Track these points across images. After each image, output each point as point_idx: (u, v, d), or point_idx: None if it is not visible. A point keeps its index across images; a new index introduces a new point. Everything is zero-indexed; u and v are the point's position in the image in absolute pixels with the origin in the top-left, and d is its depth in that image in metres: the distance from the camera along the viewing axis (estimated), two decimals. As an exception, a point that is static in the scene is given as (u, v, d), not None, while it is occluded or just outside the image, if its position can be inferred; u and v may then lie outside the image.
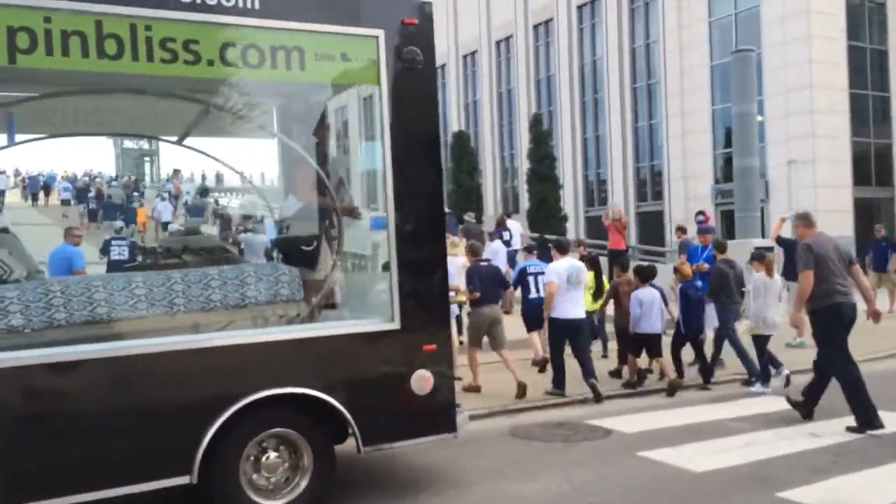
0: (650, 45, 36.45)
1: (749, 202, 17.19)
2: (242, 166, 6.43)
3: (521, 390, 8.94)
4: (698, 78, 33.41)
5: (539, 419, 8.26)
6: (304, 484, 5.18)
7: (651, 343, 9.58)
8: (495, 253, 13.95)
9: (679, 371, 9.78)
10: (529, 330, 11.00)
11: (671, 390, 9.34)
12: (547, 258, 12.07)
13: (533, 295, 10.63)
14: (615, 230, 17.00)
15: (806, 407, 7.70)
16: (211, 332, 5.05)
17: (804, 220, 7.96)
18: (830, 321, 7.27)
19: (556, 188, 31.65)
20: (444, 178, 43.38)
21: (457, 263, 12.05)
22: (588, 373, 9.10)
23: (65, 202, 37.14)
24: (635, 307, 9.58)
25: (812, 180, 28.92)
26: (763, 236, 17.50)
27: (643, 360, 9.95)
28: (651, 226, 35.73)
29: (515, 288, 11.29)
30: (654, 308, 9.49)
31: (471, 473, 6.20)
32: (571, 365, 9.24)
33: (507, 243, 16.00)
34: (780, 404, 8.45)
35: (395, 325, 5.41)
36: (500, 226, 17.20)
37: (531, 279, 10.69)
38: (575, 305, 9.21)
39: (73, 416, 4.48)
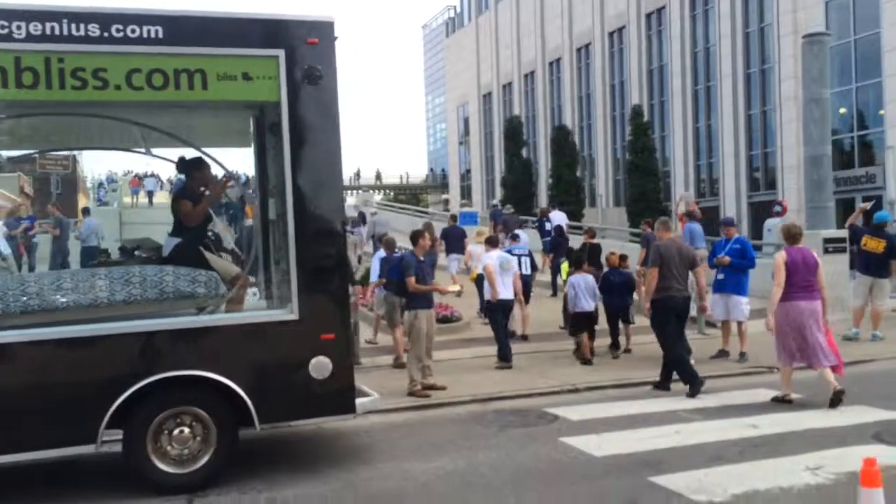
0: (764, 28, 34.97)
1: (820, 192, 16.50)
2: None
3: (399, 366, 10.53)
4: (813, 61, 31.74)
5: (511, 406, 8.59)
6: (206, 458, 5.87)
7: (584, 321, 11.04)
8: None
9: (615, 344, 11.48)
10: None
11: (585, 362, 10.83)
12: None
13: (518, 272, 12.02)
14: (687, 222, 16.93)
15: (663, 382, 9.17)
16: (119, 322, 5.79)
17: (664, 225, 9.66)
18: (663, 310, 9.01)
19: (656, 180, 31.06)
20: (545, 171, 43.38)
21: (476, 251, 13.56)
22: (505, 353, 10.75)
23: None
24: (570, 290, 11.16)
25: (931, 166, 26.90)
26: (838, 227, 16.71)
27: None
28: (763, 217, 34.19)
29: None
30: (587, 291, 10.99)
31: (390, 452, 6.72)
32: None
33: (549, 233, 17.04)
34: (755, 397, 8.47)
35: (294, 316, 6.01)
36: (543, 216, 18.88)
37: (517, 260, 12.17)
38: (506, 289, 10.85)
39: (-3, 389, 5.37)
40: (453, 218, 19.28)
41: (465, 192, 63.15)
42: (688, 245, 9.72)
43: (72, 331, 5.61)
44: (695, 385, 8.66)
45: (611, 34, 45.40)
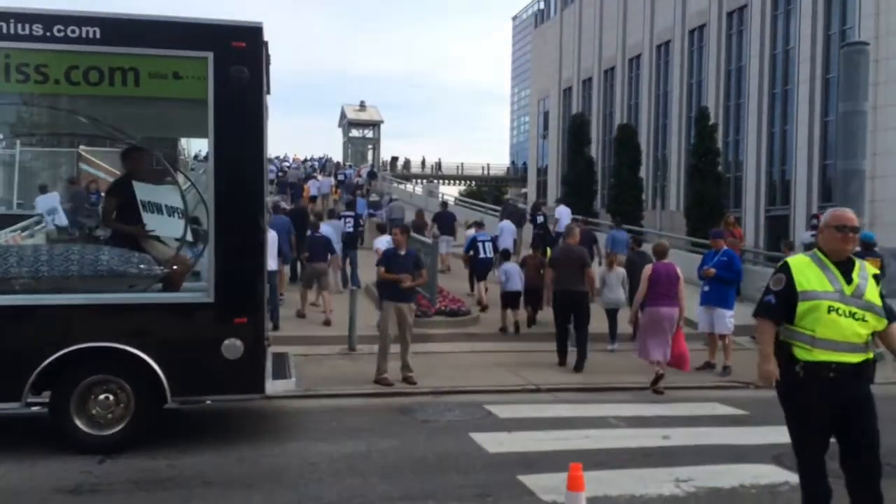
0: (846, 31, 33.53)
1: (853, 208, 15.92)
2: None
3: (327, 324, 13.04)
4: (894, 68, 30.41)
5: (460, 400, 8.85)
6: (122, 424, 6.42)
7: (513, 299, 13.53)
8: (502, 230, 17.71)
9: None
10: (478, 280, 15.73)
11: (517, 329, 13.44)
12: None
13: (482, 255, 15.60)
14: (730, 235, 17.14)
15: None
16: (45, 294, 6.38)
17: (569, 232, 11.64)
18: (558, 301, 11.12)
19: (717, 185, 30.22)
20: (606, 171, 42.83)
21: (470, 233, 16.92)
22: None
23: (271, 181, 43.19)
24: (502, 275, 13.76)
25: None
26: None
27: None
28: (833, 228, 33.02)
29: (467, 252, 15.98)
30: (514, 275, 13.54)
31: (308, 433, 7.16)
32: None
33: (539, 226, 19.33)
34: (699, 410, 8.51)
35: (210, 299, 6.48)
36: (536, 210, 20.69)
37: (480, 245, 15.64)
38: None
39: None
40: (444, 204, 22.53)
41: (542, 188, 62.94)
42: (579, 249, 11.40)
43: (3, 300, 6.24)
44: (561, 361, 11.03)
45: (691, 32, 44.38)
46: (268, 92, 7.75)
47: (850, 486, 4.51)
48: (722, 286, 10.99)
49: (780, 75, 37.66)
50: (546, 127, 63.43)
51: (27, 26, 6.15)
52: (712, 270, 10.99)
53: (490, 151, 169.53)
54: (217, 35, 6.48)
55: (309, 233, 14.26)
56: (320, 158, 59.15)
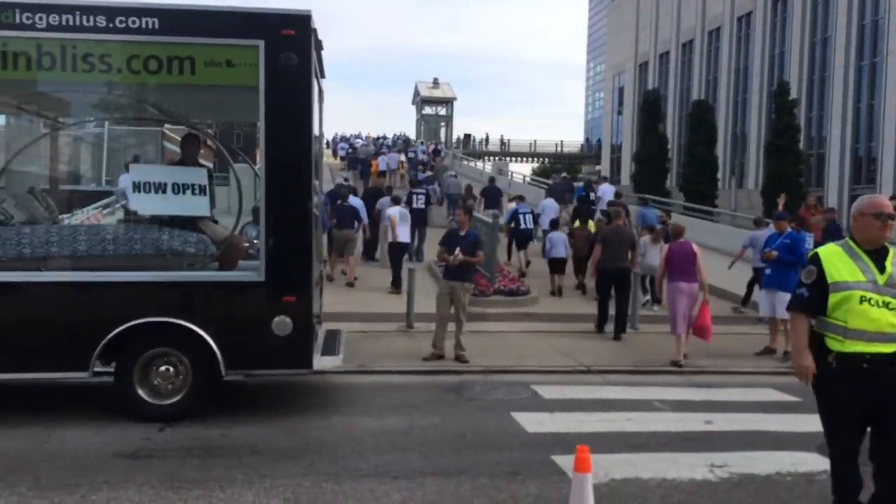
0: (940, 1, 31.94)
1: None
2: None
3: (350, 285, 14.65)
4: None
5: (509, 380, 8.97)
6: (182, 394, 6.80)
7: (557, 264, 15.40)
8: (544, 208, 18.98)
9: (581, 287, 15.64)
10: (518, 249, 17.43)
11: (560, 292, 15.22)
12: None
13: (522, 226, 17.23)
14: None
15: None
16: (110, 271, 6.77)
17: (616, 214, 12.64)
18: (603, 275, 12.08)
19: (797, 163, 29.32)
20: (683, 149, 41.86)
21: (512, 206, 18.35)
22: (398, 283, 14.24)
23: (342, 158, 44.48)
24: (547, 242, 15.77)
25: None
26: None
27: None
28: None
29: (509, 223, 17.53)
30: (560, 244, 15.44)
31: (356, 408, 7.43)
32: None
33: (580, 201, 20.10)
34: (748, 395, 8.44)
35: (261, 278, 6.78)
36: (589, 188, 21.76)
37: (521, 217, 17.27)
38: (405, 235, 15.19)
39: (9, 321, 6.51)
40: (491, 179, 23.79)
41: (615, 165, 62.11)
42: (628, 230, 12.65)
43: (73, 276, 6.68)
44: (600, 328, 12.17)
45: (774, 2, 42.90)
46: (322, 76, 8.01)
47: (876, 476, 4.48)
48: (784, 269, 10.75)
49: (869, 47, 36.15)
50: (621, 103, 62.40)
51: (92, 18, 6.49)
52: (774, 253, 10.77)
53: (565, 128, 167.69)
54: (267, 24, 6.70)
55: (339, 202, 15.87)
56: (394, 136, 59.97)
